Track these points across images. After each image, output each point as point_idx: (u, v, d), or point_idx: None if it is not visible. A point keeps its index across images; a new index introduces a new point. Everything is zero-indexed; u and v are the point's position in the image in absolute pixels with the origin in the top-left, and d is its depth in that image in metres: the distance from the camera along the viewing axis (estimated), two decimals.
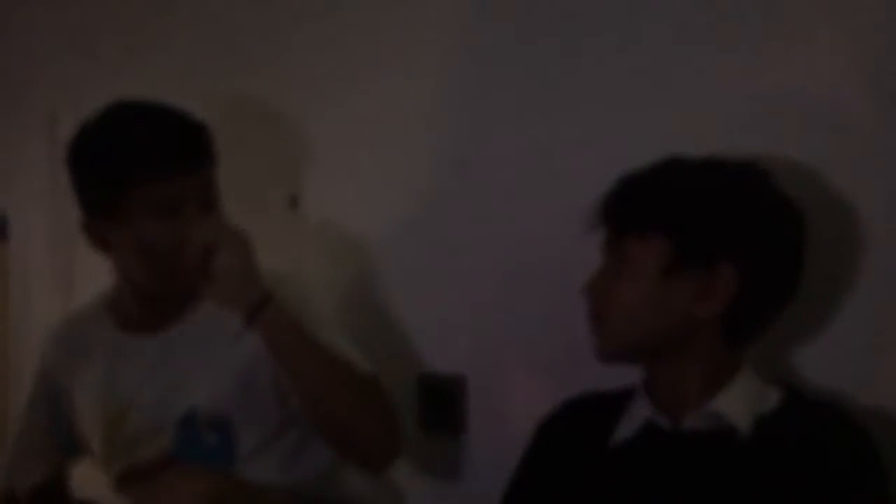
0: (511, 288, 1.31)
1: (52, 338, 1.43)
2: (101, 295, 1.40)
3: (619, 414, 1.02)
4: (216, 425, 1.29)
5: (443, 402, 1.38)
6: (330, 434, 1.23)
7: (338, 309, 1.43)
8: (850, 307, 1.03)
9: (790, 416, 0.94)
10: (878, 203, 1.01)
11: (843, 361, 1.04)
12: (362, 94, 1.50)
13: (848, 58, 1.04)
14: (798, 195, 0.98)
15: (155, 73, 1.88)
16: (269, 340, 1.18)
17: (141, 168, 1.20)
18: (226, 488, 1.19)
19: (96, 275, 1.74)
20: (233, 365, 1.29)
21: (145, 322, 1.32)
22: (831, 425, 0.92)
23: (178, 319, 1.31)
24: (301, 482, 1.34)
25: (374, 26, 1.49)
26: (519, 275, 1.31)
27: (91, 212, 1.27)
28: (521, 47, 1.31)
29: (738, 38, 1.12)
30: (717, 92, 1.13)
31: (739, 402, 0.95)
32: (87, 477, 1.58)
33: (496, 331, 1.35)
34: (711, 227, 0.93)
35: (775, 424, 0.93)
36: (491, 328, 1.35)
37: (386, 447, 1.25)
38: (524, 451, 1.12)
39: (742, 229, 0.93)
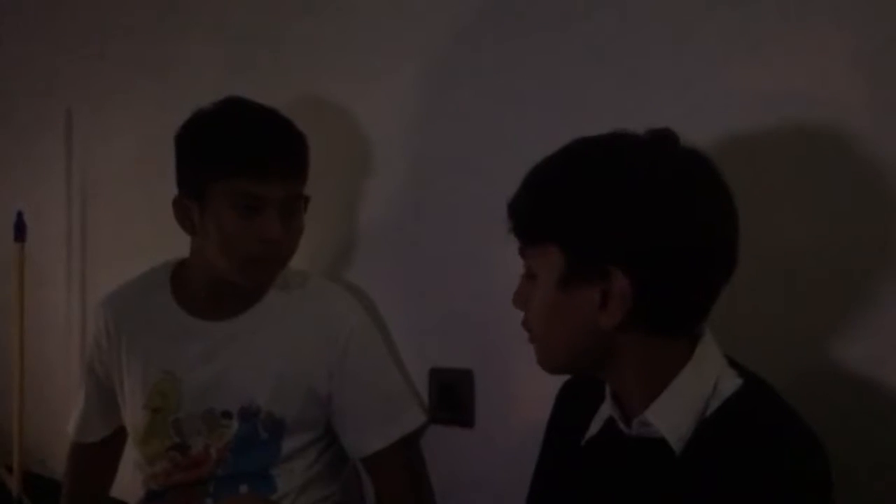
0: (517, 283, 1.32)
1: (108, 299, 1.47)
2: (160, 269, 1.44)
3: (598, 408, 0.98)
4: (272, 423, 1.34)
5: (453, 395, 1.40)
6: None
7: None
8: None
9: (727, 422, 0.86)
10: None
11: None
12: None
13: (845, 53, 1.05)
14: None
15: (170, 72, 1.90)
16: None
17: (240, 161, 1.24)
18: None
19: (110, 272, 1.77)
20: (296, 366, 1.35)
21: (211, 307, 1.37)
22: (764, 439, 0.83)
23: (244, 312, 1.37)
24: (329, 497, 1.42)
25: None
26: None
27: (183, 190, 1.31)
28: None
29: (735, 36, 1.13)
30: (712, 92, 1.13)
31: (670, 409, 0.88)
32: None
33: (502, 326, 1.36)
34: (596, 235, 0.86)
35: (708, 432, 0.87)
36: (496, 324, 1.36)
37: None
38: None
39: (626, 231, 0.85)
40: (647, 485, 0.90)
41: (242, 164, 1.24)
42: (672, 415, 0.88)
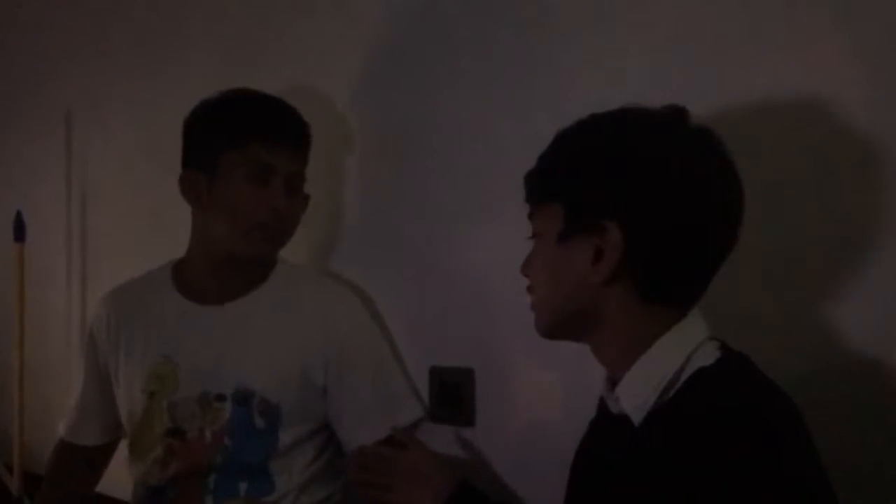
0: (517, 283, 1.32)
1: (112, 293, 1.50)
2: (163, 267, 1.46)
3: None
4: (267, 410, 1.35)
5: (453, 394, 1.40)
6: None
7: None
8: None
9: (687, 393, 0.86)
10: None
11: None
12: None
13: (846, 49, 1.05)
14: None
15: (169, 71, 1.90)
16: None
17: (254, 127, 1.33)
18: None
19: (110, 271, 1.77)
20: (293, 356, 1.37)
21: (213, 292, 1.39)
22: (719, 410, 0.81)
23: (244, 296, 1.39)
24: (330, 497, 1.43)
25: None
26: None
27: (192, 165, 1.37)
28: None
29: (733, 26, 1.13)
30: (708, 88, 1.13)
31: (638, 380, 0.89)
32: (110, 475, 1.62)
33: (502, 325, 1.36)
34: (593, 189, 0.90)
35: (669, 404, 0.86)
36: (497, 322, 1.36)
37: None
38: None
39: (623, 188, 0.88)
40: (613, 459, 0.92)
41: (256, 130, 1.32)
42: (637, 386, 0.89)
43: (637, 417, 0.88)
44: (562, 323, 0.96)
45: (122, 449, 1.51)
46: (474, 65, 1.38)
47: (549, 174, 0.95)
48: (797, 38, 1.08)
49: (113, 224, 2.05)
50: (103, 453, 1.60)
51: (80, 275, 2.13)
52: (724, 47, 1.13)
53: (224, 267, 1.37)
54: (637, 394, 0.89)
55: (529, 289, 0.99)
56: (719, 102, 1.11)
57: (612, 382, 0.94)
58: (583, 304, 0.92)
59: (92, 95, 2.09)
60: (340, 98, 1.56)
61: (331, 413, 1.40)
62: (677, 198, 0.86)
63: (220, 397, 1.35)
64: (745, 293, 1.09)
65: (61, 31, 2.17)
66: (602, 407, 0.99)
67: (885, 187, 1.02)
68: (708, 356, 0.87)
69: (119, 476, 1.54)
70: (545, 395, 1.28)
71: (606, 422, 0.96)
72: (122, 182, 2.02)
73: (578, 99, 1.11)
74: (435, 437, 1.42)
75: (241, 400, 1.34)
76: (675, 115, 0.91)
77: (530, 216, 0.97)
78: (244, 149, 1.31)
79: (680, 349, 0.88)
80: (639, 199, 0.87)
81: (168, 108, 1.90)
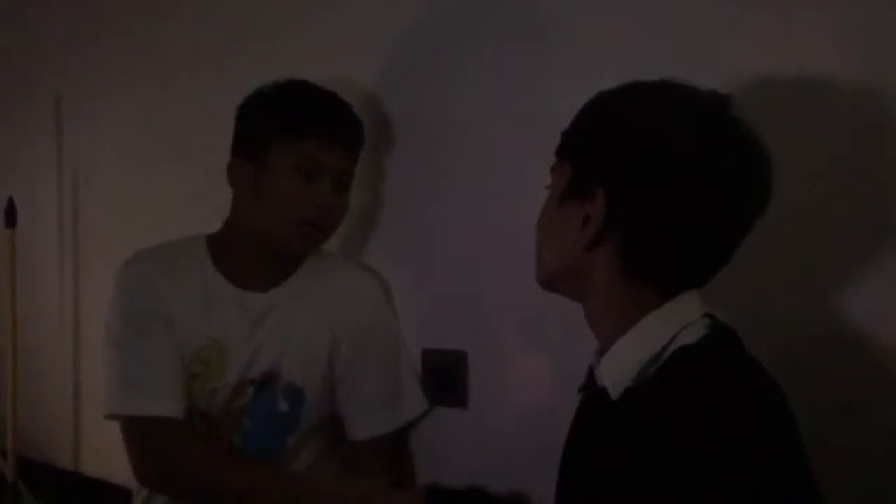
0: (510, 267, 1.33)
1: (143, 255, 1.38)
2: (191, 240, 1.40)
3: None
4: (291, 394, 1.36)
5: (446, 377, 1.41)
6: None
7: None
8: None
9: (665, 369, 0.85)
10: None
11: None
12: None
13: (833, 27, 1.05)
14: None
15: (160, 60, 1.89)
16: None
17: (308, 124, 1.31)
18: None
19: (102, 257, 1.77)
20: (321, 342, 1.38)
21: (256, 279, 1.37)
22: (691, 385, 0.80)
23: (280, 284, 1.38)
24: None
25: None
26: (518, 255, 1.32)
27: (241, 153, 1.35)
28: None
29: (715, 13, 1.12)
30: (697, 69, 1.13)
31: (620, 355, 0.88)
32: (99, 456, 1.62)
33: (495, 308, 1.37)
34: (593, 154, 0.90)
35: (647, 379, 0.86)
36: (491, 305, 1.37)
37: None
38: None
39: (614, 157, 0.88)
40: (592, 432, 0.93)
41: (310, 127, 1.30)
42: (618, 361, 0.88)
43: (615, 392, 0.88)
44: (555, 279, 0.96)
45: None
46: (487, 61, 1.37)
47: (570, 133, 0.95)
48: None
49: (104, 209, 2.05)
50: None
51: (73, 260, 2.13)
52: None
53: (265, 256, 1.36)
54: (617, 369, 0.88)
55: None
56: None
57: (601, 355, 0.93)
58: (571, 266, 0.92)
59: (82, 81, 2.08)
60: (333, 81, 1.55)
61: (339, 400, 1.42)
62: (668, 177, 0.84)
63: (252, 382, 1.35)
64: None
65: (50, 17, 2.16)
66: (590, 378, 0.99)
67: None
68: (693, 335, 0.86)
69: (120, 461, 1.54)
70: (538, 377, 1.29)
71: (592, 393, 0.97)
72: (114, 167, 2.02)
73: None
74: (428, 420, 1.43)
75: (266, 383, 1.35)
76: (714, 100, 0.88)
77: (552, 169, 0.97)
78: (296, 143, 1.29)
79: (666, 327, 0.87)
80: (626, 170, 0.86)
81: (158, 93, 1.90)
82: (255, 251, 1.35)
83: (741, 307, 1.04)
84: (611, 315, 0.90)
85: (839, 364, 1.05)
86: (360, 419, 1.41)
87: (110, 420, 1.32)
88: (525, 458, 1.31)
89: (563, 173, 0.92)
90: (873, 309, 1.03)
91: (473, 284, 1.39)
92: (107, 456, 1.63)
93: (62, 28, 2.13)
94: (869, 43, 1.03)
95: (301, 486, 1.25)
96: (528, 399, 1.33)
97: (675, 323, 0.87)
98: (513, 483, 1.12)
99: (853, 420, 1.03)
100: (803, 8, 1.07)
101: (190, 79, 1.82)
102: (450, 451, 1.42)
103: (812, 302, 1.07)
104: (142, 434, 1.28)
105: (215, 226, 1.41)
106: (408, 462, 1.47)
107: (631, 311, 0.88)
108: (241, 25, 1.72)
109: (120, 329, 1.32)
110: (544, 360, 1.30)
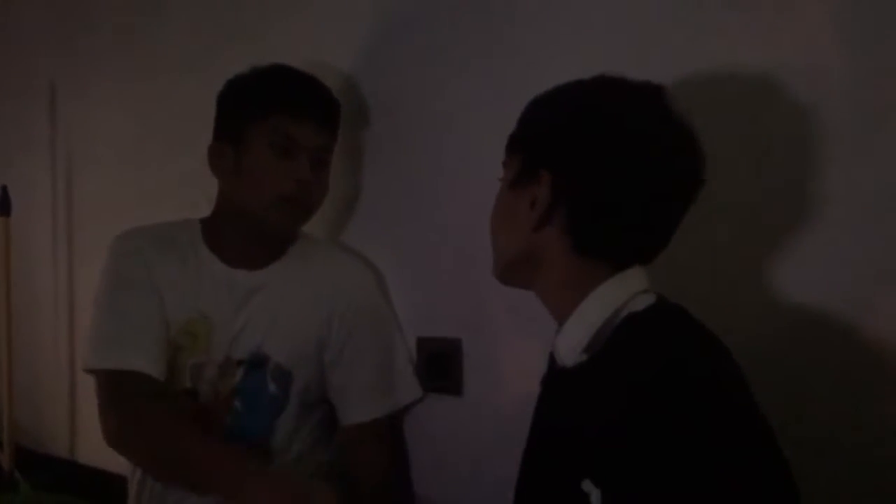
0: None
1: (134, 232, 1.40)
2: (183, 222, 1.43)
3: None
4: (279, 375, 1.37)
5: (441, 364, 1.41)
6: None
7: None
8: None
9: (614, 337, 0.88)
10: None
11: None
12: None
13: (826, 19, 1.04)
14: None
15: (154, 47, 1.88)
16: None
17: (278, 99, 1.33)
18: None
19: (96, 245, 1.76)
20: (310, 326, 1.40)
21: (243, 259, 1.38)
22: (636, 350, 0.84)
23: (270, 265, 1.40)
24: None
25: None
26: None
27: (220, 136, 1.38)
28: None
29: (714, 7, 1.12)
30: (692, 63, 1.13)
31: (571, 333, 0.92)
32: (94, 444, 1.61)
33: (490, 296, 1.36)
34: (536, 138, 0.95)
35: (603, 357, 0.88)
36: (485, 292, 1.37)
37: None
38: None
39: (556, 138, 0.93)
40: (550, 411, 0.97)
41: (282, 102, 1.32)
42: (570, 335, 0.92)
43: (570, 360, 0.92)
44: (510, 268, 1.00)
45: None
46: (474, 38, 1.37)
47: (517, 129, 0.99)
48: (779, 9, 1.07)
49: (99, 196, 2.04)
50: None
51: (67, 248, 2.13)
52: (706, 20, 1.12)
53: (252, 236, 1.37)
54: (569, 343, 0.92)
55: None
56: (699, 79, 1.11)
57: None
58: (524, 247, 0.95)
59: (76, 67, 2.07)
60: (328, 66, 1.55)
61: (331, 384, 1.42)
62: (607, 154, 0.89)
63: (241, 363, 1.36)
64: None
65: (44, 5, 2.15)
66: (551, 365, 1.02)
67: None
68: (642, 303, 0.89)
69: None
70: (532, 364, 1.28)
71: (552, 374, 1.00)
72: (107, 154, 2.01)
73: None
74: (423, 407, 1.43)
75: (256, 364, 1.36)
76: (649, 87, 0.93)
77: (503, 164, 1.02)
78: (269, 119, 1.31)
79: (613, 298, 0.91)
80: (568, 149, 0.91)
81: (152, 79, 1.90)
82: (242, 232, 1.37)
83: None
84: (564, 292, 0.94)
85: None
86: (352, 403, 1.42)
87: (88, 374, 1.32)
88: (519, 445, 1.31)
89: (513, 165, 0.97)
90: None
91: (468, 272, 1.38)
92: (103, 445, 1.62)
93: (54, 13, 2.12)
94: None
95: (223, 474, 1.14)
96: (522, 386, 1.32)
97: (624, 292, 0.91)
98: (507, 469, 1.12)
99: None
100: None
101: (184, 65, 1.82)
102: (445, 438, 1.43)
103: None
104: (112, 387, 1.28)
105: (208, 213, 1.42)
106: (402, 448, 1.47)
107: (582, 287, 0.93)
108: (236, 10, 1.71)
109: (105, 290, 1.35)
110: (538, 347, 1.30)
